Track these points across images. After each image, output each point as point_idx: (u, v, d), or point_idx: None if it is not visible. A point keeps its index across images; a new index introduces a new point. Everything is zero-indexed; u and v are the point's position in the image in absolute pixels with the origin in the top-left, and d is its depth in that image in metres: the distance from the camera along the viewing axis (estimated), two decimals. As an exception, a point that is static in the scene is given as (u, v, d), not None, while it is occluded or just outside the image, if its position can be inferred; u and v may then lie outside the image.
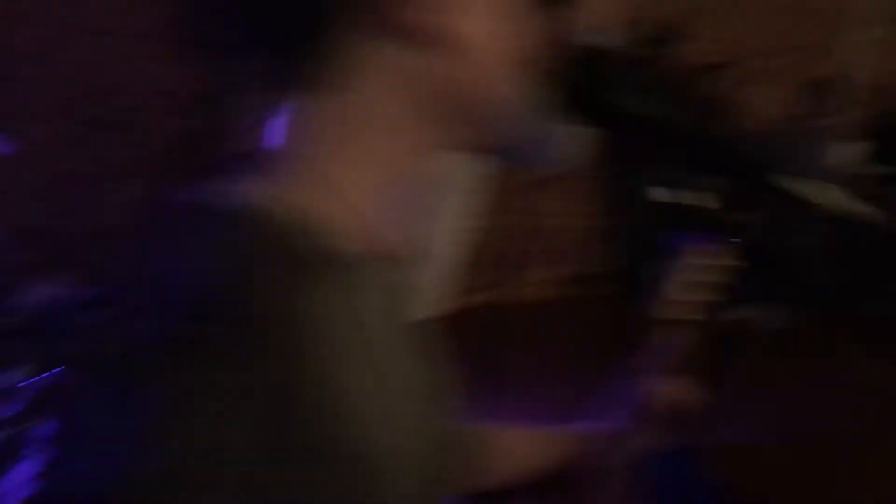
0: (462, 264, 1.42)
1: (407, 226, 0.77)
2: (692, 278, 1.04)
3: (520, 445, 1.02)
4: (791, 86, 4.71)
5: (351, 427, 0.64)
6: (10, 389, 2.04)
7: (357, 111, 0.70)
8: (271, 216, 0.63)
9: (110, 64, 3.39)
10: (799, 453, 2.95)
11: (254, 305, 0.59)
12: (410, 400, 0.73)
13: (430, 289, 1.23)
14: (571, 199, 4.33)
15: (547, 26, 0.74)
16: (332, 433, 0.63)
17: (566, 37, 0.79)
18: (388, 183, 0.73)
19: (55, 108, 3.34)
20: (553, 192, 4.13)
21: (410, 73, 0.69)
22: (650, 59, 3.32)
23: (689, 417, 1.06)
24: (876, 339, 4.05)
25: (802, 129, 4.38)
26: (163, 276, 0.62)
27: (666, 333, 1.04)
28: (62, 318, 2.07)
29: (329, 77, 0.69)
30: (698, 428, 1.17)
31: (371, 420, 0.66)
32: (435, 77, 0.70)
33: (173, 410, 0.58)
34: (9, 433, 1.98)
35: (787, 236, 3.78)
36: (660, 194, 1.01)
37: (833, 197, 1.27)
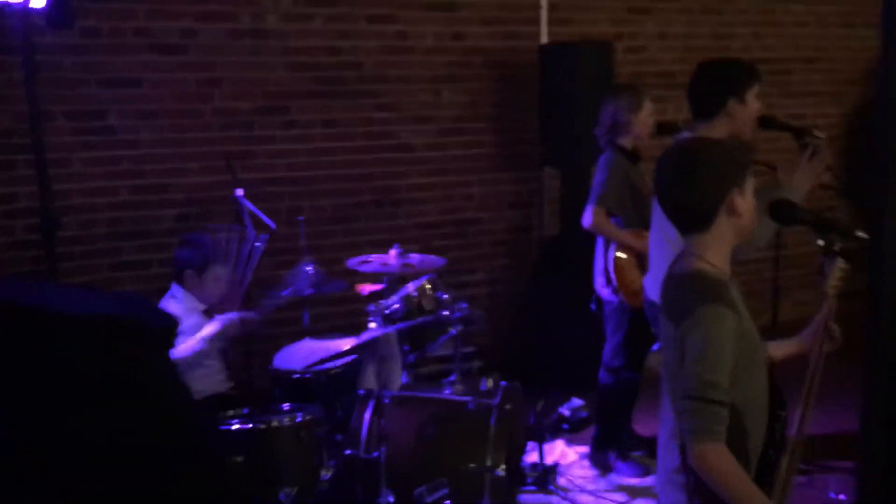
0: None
1: (727, 266, 2.40)
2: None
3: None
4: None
5: (752, 344, 2.31)
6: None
7: (717, 233, 2.36)
8: (703, 268, 2.33)
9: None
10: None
11: (713, 293, 2.27)
12: (759, 360, 2.36)
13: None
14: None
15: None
16: (751, 345, 2.31)
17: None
18: (725, 255, 2.38)
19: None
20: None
21: (731, 222, 2.35)
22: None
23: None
24: None
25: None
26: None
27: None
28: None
29: (709, 225, 2.35)
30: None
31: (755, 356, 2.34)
32: (734, 224, 2.35)
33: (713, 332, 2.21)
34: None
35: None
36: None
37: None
